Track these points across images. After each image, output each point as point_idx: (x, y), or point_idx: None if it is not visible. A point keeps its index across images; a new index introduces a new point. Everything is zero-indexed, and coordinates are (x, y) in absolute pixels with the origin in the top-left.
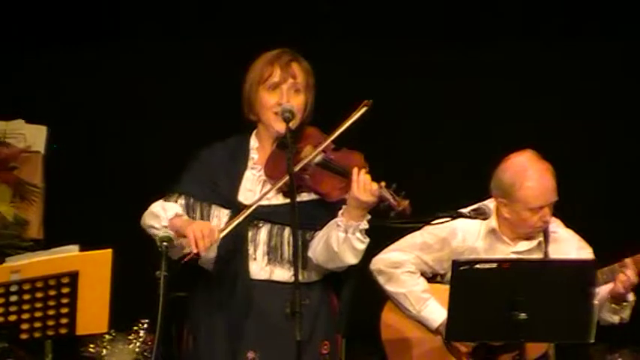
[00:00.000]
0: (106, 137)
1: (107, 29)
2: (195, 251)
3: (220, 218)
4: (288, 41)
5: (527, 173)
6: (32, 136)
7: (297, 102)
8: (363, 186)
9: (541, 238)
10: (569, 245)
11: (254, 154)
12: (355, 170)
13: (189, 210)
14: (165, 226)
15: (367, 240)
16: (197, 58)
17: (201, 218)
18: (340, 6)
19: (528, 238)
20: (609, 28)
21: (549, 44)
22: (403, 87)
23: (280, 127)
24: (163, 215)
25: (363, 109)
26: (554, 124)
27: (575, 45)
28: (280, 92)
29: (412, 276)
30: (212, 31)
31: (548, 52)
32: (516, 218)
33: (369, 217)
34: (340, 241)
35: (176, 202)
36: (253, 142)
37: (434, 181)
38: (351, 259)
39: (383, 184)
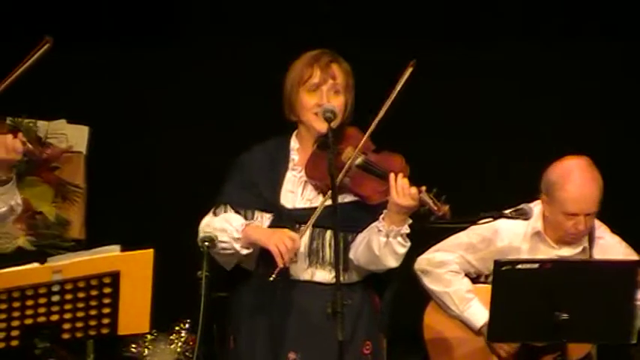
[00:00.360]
0: (148, 137)
1: (150, 28)
2: (281, 265)
3: (262, 223)
4: (288, 41)
5: (571, 177)
6: (74, 137)
7: (337, 103)
8: (402, 191)
9: (586, 244)
10: (614, 252)
11: (294, 156)
12: (392, 176)
13: None
14: (238, 238)
15: (408, 244)
16: (237, 58)
17: None
18: (340, 6)
19: (572, 243)
20: (609, 28)
21: (549, 44)
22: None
23: (321, 126)
24: (230, 227)
25: (410, 70)
26: (553, 124)
27: (575, 45)
28: (320, 93)
29: (456, 276)
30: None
31: (548, 52)
32: (553, 219)
33: (410, 221)
34: (381, 245)
35: (224, 212)
36: (294, 143)
37: (435, 180)
38: (392, 263)
39: (423, 188)
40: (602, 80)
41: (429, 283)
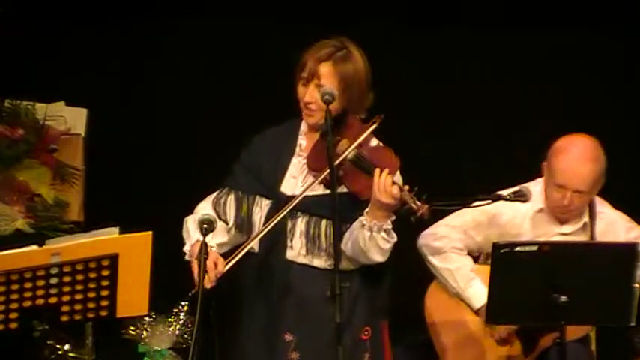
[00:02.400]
0: (147, 119)
1: (148, 8)
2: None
3: (262, 209)
4: (293, 23)
5: (570, 150)
6: (72, 119)
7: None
8: (384, 188)
9: (586, 220)
10: (617, 226)
11: (302, 140)
12: (377, 172)
13: (238, 204)
14: (189, 250)
15: (394, 239)
16: (238, 38)
17: (248, 211)
18: None
19: (563, 220)
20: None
21: (542, 29)
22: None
23: (308, 120)
24: (191, 236)
25: (374, 126)
26: (553, 108)
27: (566, 29)
28: (305, 90)
29: (460, 253)
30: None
31: (542, 37)
32: (547, 187)
33: (393, 217)
34: (366, 239)
35: (227, 198)
36: (303, 126)
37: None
38: (378, 257)
39: (406, 187)
40: (598, 66)
41: (432, 258)
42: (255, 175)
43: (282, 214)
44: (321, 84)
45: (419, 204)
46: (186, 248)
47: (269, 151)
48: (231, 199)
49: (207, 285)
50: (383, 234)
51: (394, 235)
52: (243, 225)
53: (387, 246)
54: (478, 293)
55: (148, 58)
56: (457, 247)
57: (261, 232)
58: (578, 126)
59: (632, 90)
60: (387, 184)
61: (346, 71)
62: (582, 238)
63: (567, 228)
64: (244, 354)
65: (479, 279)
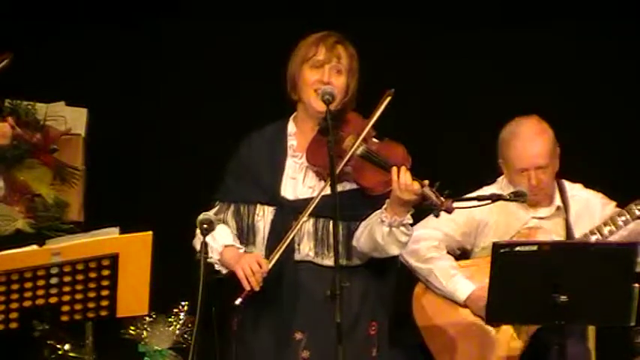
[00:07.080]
0: (147, 119)
1: (148, 9)
2: (248, 289)
3: (264, 217)
4: (291, 22)
5: (517, 134)
6: (73, 119)
7: (338, 83)
8: (405, 186)
9: (559, 204)
10: (592, 205)
11: (293, 141)
12: (394, 170)
13: (238, 217)
14: (218, 259)
15: (412, 232)
16: (236, 39)
17: (249, 221)
18: None
19: (535, 201)
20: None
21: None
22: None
23: (319, 105)
24: (215, 246)
25: (388, 100)
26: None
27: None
28: (323, 71)
29: (438, 252)
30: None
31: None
32: (511, 180)
33: (412, 211)
34: (385, 234)
35: (226, 212)
36: (291, 127)
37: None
38: (396, 251)
39: (426, 182)
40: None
41: (411, 261)
42: (253, 184)
43: (307, 213)
44: (340, 64)
45: (442, 199)
46: (215, 257)
47: (261, 157)
48: (230, 213)
49: (256, 287)
50: (402, 228)
51: (411, 228)
52: (246, 235)
53: (406, 239)
54: (461, 286)
55: (148, 58)
56: (434, 245)
57: (291, 233)
58: (577, 125)
59: (629, 88)
60: (408, 181)
61: (354, 54)
62: (558, 221)
63: (542, 212)
64: (254, 354)
65: (460, 274)
